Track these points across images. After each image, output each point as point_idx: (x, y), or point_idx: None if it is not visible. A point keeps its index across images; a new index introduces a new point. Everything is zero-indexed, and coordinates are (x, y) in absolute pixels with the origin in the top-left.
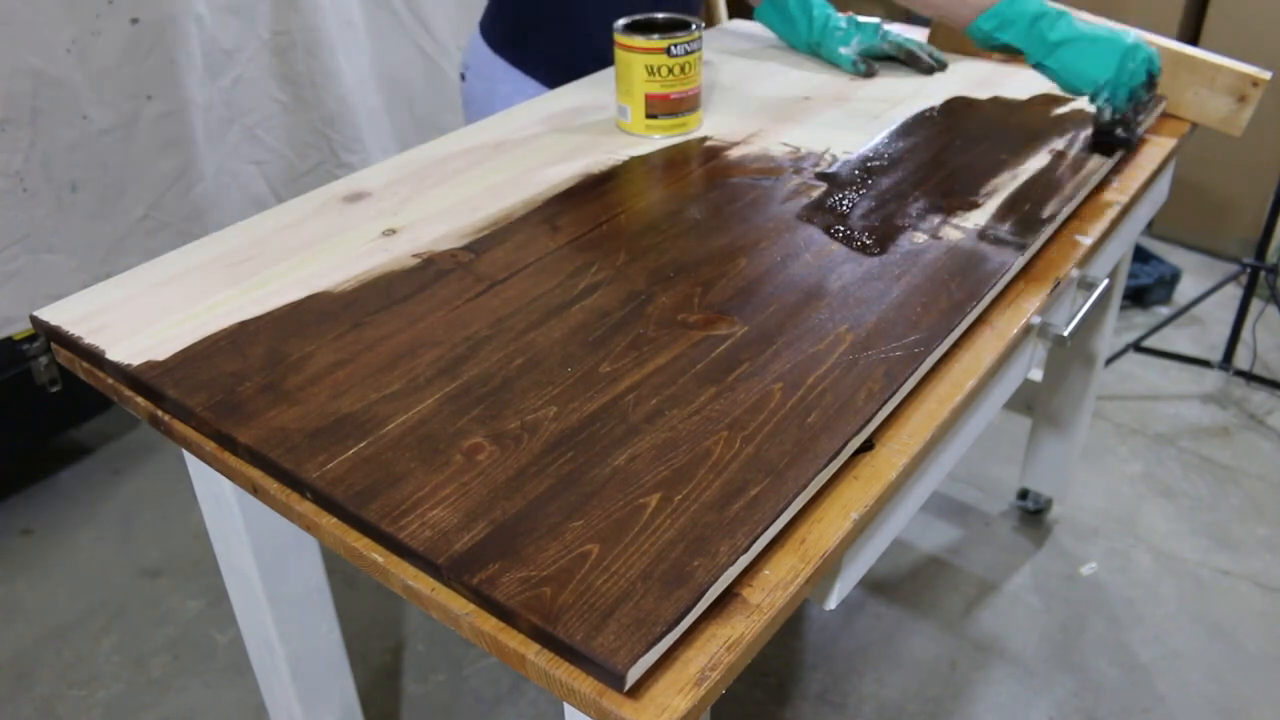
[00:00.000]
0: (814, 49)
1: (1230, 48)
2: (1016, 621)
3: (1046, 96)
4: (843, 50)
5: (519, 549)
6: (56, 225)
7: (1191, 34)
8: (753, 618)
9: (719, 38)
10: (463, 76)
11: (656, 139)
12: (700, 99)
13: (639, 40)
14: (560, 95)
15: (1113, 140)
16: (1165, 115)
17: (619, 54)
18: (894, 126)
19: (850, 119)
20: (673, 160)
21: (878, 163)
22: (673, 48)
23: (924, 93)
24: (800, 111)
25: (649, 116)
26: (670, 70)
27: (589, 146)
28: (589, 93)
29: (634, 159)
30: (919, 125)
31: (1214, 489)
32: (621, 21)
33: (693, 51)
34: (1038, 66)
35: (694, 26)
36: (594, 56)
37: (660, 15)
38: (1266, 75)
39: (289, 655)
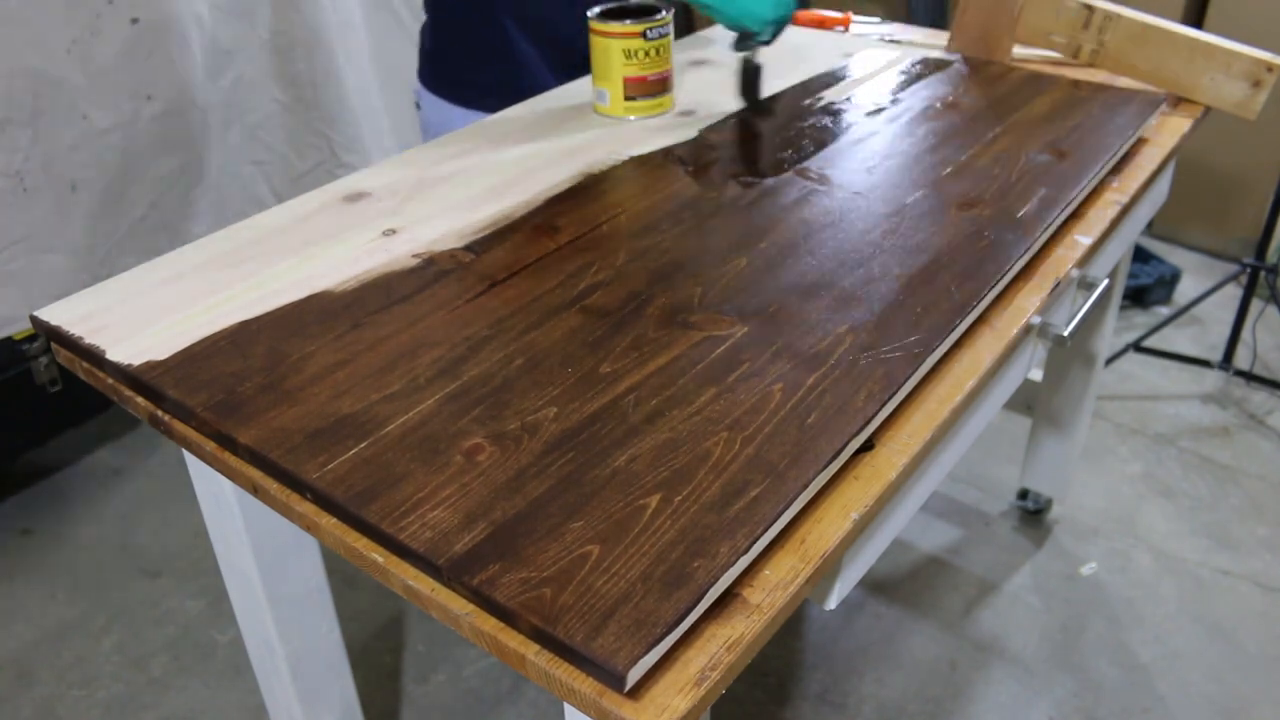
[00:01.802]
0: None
1: None
2: (1016, 621)
3: (1047, 95)
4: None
5: (519, 550)
6: (56, 225)
7: None
8: (753, 618)
9: (721, 37)
10: (417, 105)
11: (633, 120)
12: (673, 80)
13: (616, 26)
14: (561, 93)
15: (751, 78)
16: (1169, 112)
17: (595, 40)
18: (895, 125)
19: (851, 117)
20: (671, 159)
21: (878, 163)
22: (649, 31)
23: (925, 92)
24: (802, 110)
25: (628, 99)
26: (647, 53)
27: (589, 146)
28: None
29: (634, 159)
30: (920, 124)
31: (1214, 489)
32: (595, 10)
33: (665, 35)
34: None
35: (664, 10)
36: (533, 85)
37: (631, 1)
38: None
39: (289, 655)
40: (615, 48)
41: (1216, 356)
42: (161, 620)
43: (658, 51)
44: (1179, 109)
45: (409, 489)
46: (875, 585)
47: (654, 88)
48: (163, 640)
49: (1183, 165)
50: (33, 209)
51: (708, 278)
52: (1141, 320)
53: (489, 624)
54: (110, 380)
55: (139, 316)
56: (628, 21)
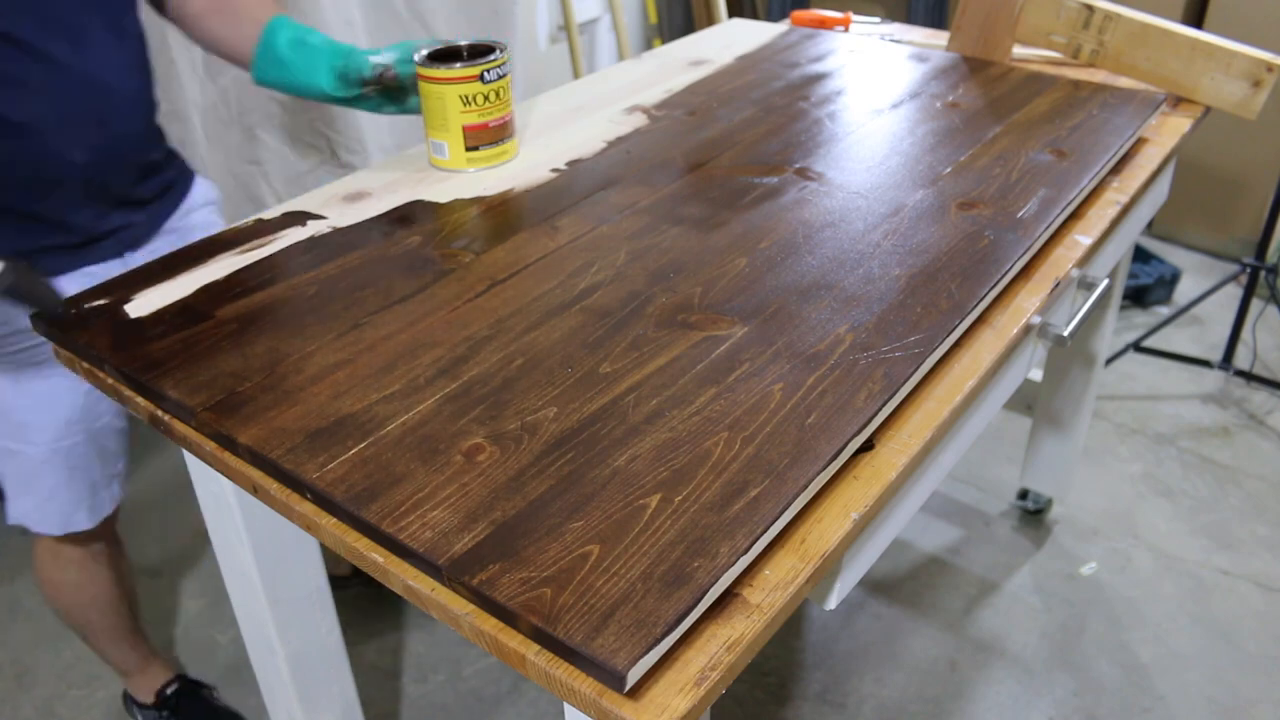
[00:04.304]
0: (343, 73)
1: None
2: (1016, 621)
3: (1047, 95)
4: (374, 59)
5: (519, 550)
6: None
7: None
8: (753, 618)
9: (721, 36)
10: None
11: (472, 172)
12: (514, 124)
13: (448, 70)
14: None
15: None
16: (1169, 112)
17: (426, 88)
18: (895, 125)
19: (851, 117)
20: (671, 155)
21: (878, 162)
22: (486, 73)
23: (925, 92)
24: (806, 109)
25: (469, 149)
26: (486, 97)
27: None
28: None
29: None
30: (920, 124)
31: (1214, 489)
32: (423, 53)
33: (505, 75)
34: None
35: (499, 50)
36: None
37: (462, 43)
38: None
39: (289, 655)
40: (450, 94)
41: (1216, 356)
42: (161, 620)
43: (498, 94)
44: (1179, 109)
45: (409, 489)
46: (875, 585)
47: (498, 134)
48: (163, 640)
49: (1183, 165)
50: None
51: (708, 278)
52: (1141, 320)
53: (489, 624)
54: (110, 380)
55: (139, 316)
56: (459, 65)
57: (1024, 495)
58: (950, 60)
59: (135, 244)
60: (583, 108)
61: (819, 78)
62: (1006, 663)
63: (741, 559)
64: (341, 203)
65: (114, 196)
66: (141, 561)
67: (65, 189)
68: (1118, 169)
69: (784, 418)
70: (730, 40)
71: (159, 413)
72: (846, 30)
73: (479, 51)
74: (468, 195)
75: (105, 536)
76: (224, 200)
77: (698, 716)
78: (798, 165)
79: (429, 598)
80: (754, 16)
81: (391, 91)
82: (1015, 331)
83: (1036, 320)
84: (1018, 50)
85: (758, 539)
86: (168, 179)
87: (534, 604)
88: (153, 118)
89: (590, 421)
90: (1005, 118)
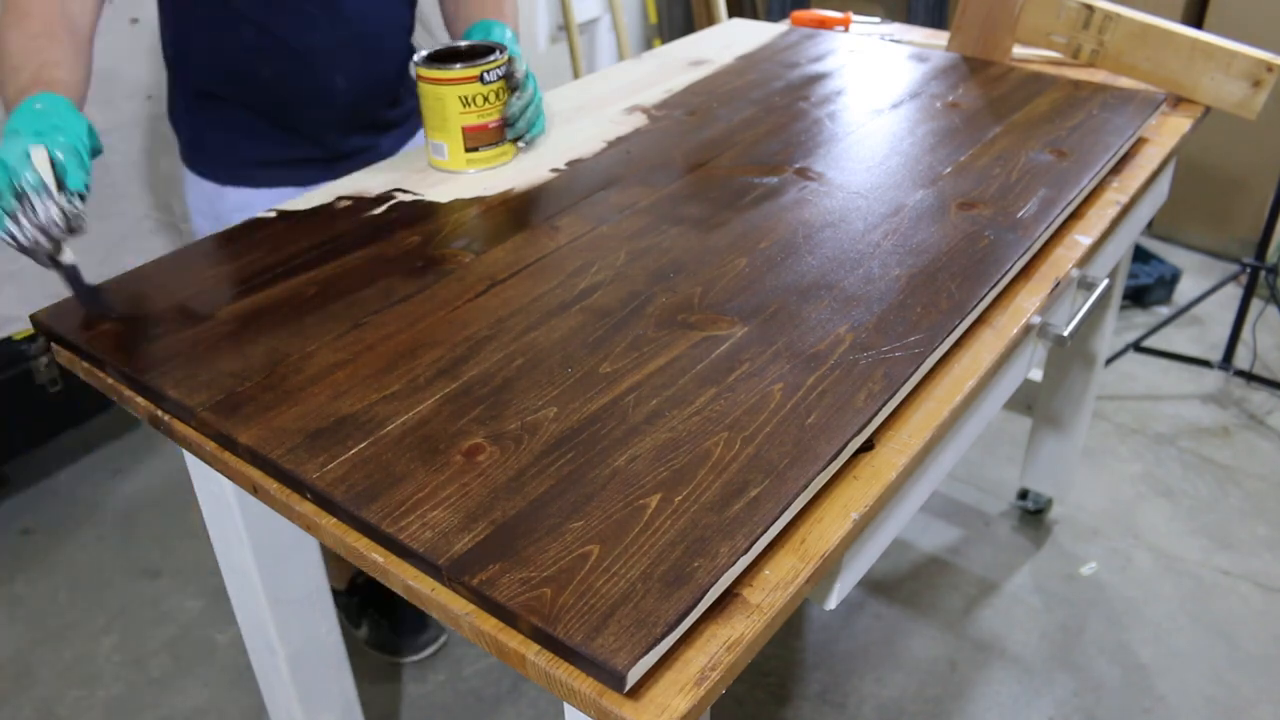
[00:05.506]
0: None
1: None
2: (1016, 621)
3: (1047, 95)
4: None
5: (519, 550)
6: None
7: None
8: (753, 618)
9: (721, 36)
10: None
11: (472, 173)
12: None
13: (447, 71)
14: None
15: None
16: (1169, 112)
17: (425, 89)
18: (895, 125)
19: (851, 117)
20: (671, 155)
21: (878, 162)
22: (486, 74)
23: (925, 92)
24: (806, 109)
25: (469, 150)
26: (485, 98)
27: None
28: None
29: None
30: (920, 124)
31: (1214, 489)
32: (422, 54)
33: (504, 75)
34: None
35: (498, 51)
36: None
37: (462, 44)
38: None
39: (289, 655)
40: (449, 95)
41: (1216, 356)
42: (161, 620)
43: (497, 95)
44: (1179, 109)
45: (409, 489)
46: (875, 585)
47: (498, 135)
48: (163, 640)
49: (1183, 165)
50: None
51: (708, 278)
52: (1141, 320)
53: (489, 624)
54: (110, 380)
55: (139, 316)
56: (458, 66)
57: (1024, 495)
58: (950, 60)
59: (373, 164)
60: (583, 108)
61: (819, 78)
62: (1006, 663)
63: (741, 559)
64: (341, 203)
65: (364, 120)
66: (142, 561)
67: (325, 110)
68: (1118, 169)
69: (784, 418)
70: (730, 40)
71: (159, 413)
72: (846, 30)
73: (479, 52)
74: (468, 195)
75: None
76: None
77: (698, 716)
78: (798, 165)
79: (429, 598)
80: (754, 16)
81: None
82: (1015, 331)
83: (1036, 320)
84: (1018, 50)
85: (758, 539)
86: (410, 108)
87: (534, 604)
88: (407, 60)
89: (590, 421)
90: (1005, 118)
